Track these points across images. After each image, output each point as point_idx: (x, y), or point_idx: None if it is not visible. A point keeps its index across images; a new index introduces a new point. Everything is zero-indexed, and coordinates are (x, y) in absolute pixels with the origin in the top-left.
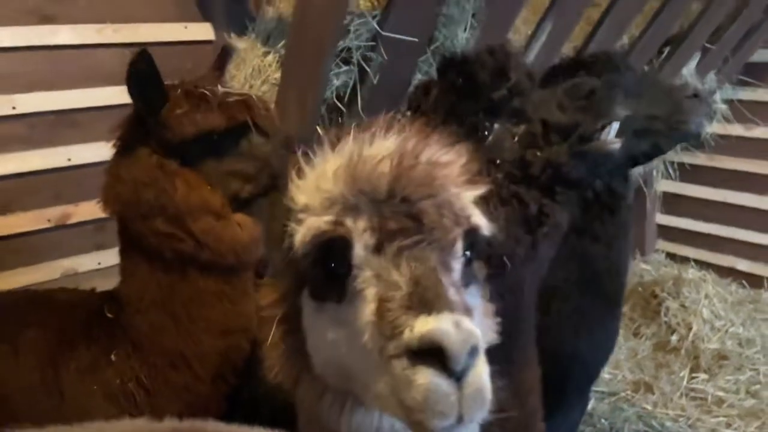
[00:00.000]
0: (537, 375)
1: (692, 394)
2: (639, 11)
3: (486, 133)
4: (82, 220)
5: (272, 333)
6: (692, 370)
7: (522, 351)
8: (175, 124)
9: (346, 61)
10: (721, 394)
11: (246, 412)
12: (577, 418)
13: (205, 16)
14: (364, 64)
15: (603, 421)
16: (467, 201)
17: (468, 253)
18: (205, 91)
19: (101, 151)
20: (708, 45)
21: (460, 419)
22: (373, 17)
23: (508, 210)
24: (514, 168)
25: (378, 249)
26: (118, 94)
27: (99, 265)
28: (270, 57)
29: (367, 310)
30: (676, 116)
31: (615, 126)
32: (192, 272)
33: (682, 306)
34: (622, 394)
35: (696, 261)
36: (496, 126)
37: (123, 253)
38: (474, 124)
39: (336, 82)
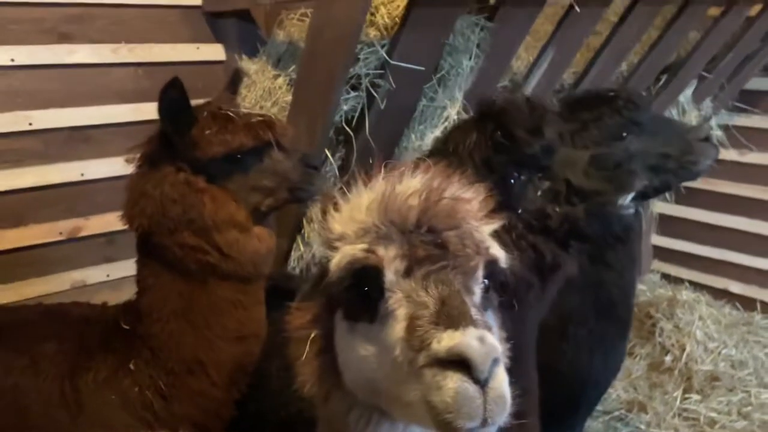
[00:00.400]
0: (536, 397)
1: (685, 414)
2: (638, 40)
3: (513, 181)
4: (92, 233)
5: (306, 352)
6: (685, 391)
7: (524, 376)
8: (204, 144)
9: (355, 87)
10: (713, 415)
11: (252, 424)
12: None
13: (217, 37)
14: (372, 91)
15: None
16: (486, 233)
17: (486, 281)
18: (230, 113)
19: (114, 166)
20: (704, 73)
21: (484, 422)
22: (382, 46)
23: (524, 257)
24: (534, 219)
25: (408, 273)
26: (131, 112)
27: (108, 277)
28: (280, 80)
29: (398, 327)
30: (687, 157)
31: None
32: (211, 282)
33: (676, 327)
34: (616, 413)
35: (691, 282)
36: (522, 178)
37: (142, 265)
38: (503, 174)
39: (344, 107)
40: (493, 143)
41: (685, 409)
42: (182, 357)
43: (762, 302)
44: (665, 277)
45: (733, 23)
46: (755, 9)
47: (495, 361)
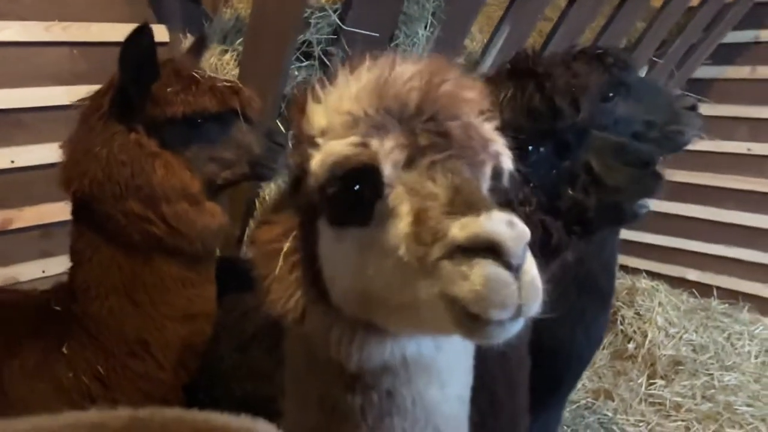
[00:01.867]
0: (527, 372)
1: (650, 399)
2: (587, 26)
3: (531, 149)
4: (25, 225)
5: (279, 266)
6: (650, 377)
7: (515, 349)
8: (164, 103)
9: (308, 56)
10: (678, 399)
11: (204, 410)
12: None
13: (159, 17)
14: (325, 59)
15: (565, 428)
16: (491, 130)
17: (492, 184)
18: (195, 73)
19: (48, 153)
20: (655, 59)
21: (517, 311)
22: (335, 11)
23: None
24: (545, 196)
25: (409, 164)
26: (66, 95)
27: (43, 273)
28: (228, 55)
29: (402, 224)
30: (672, 126)
31: None
32: (157, 257)
33: (637, 314)
34: (583, 402)
35: (648, 272)
36: (542, 150)
37: (78, 235)
38: (524, 142)
39: (297, 77)
40: (528, 107)
41: (651, 395)
42: (124, 337)
43: (719, 288)
44: (623, 268)
45: (675, 13)
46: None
47: (526, 246)
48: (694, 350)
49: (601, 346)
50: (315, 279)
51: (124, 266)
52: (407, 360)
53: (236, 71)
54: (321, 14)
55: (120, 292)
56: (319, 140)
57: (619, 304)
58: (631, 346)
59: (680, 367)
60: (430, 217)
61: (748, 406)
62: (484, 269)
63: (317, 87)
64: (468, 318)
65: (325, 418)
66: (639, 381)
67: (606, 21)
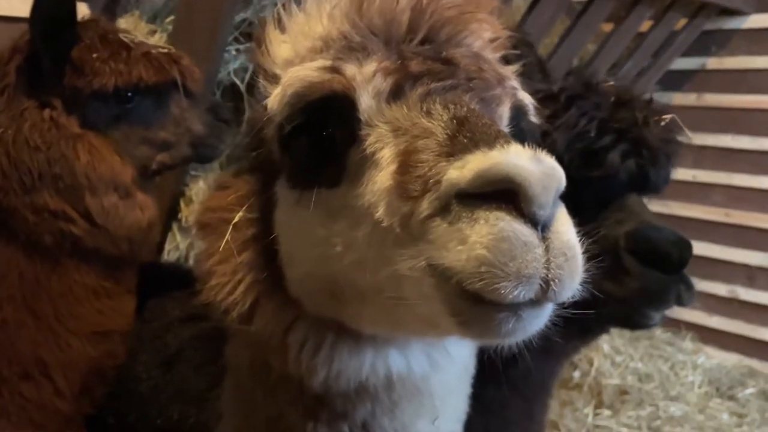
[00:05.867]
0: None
1: (597, 430)
2: (543, 38)
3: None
4: None
5: (223, 242)
6: (596, 407)
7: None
8: (90, 72)
9: (249, 37)
10: (624, 430)
11: None
12: None
13: None
14: None
15: None
16: (509, 71)
17: (512, 129)
18: (124, 38)
19: None
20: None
21: (544, 288)
22: None
23: None
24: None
25: (396, 95)
26: None
27: None
28: (157, 36)
29: (383, 174)
30: None
31: None
32: (67, 262)
33: None
34: None
35: None
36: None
37: None
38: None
39: (234, 64)
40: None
41: (597, 426)
42: (17, 356)
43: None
44: None
45: (625, 37)
46: (646, 25)
47: (557, 191)
48: (639, 379)
49: None
50: (270, 260)
51: (25, 272)
52: (392, 380)
53: None
54: None
55: (17, 302)
56: (281, 72)
57: None
58: (576, 374)
59: (626, 397)
60: (421, 161)
61: None
62: (492, 225)
63: (282, 13)
64: (466, 300)
65: None
66: (585, 411)
67: (559, 40)
